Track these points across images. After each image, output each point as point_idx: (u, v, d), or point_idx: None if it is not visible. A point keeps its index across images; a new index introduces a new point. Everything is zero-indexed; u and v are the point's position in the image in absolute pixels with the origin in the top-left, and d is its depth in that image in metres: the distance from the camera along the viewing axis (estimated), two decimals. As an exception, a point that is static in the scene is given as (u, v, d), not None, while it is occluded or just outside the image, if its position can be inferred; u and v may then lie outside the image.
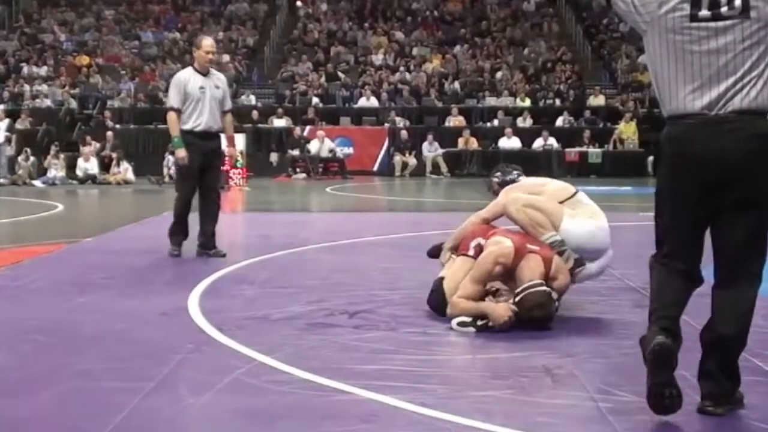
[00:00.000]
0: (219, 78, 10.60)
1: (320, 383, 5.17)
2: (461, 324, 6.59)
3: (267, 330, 6.61)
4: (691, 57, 4.43)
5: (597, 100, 33.44)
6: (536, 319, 6.56)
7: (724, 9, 4.36)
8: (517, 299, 6.55)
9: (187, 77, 10.36)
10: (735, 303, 4.63)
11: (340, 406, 4.81)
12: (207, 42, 10.52)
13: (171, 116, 10.35)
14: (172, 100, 10.36)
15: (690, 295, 4.67)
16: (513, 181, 7.82)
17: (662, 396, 4.46)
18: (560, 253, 6.96)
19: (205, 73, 10.35)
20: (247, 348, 5.96)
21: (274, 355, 5.78)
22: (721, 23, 4.36)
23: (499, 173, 8.06)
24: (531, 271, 6.70)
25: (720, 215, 4.51)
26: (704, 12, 4.39)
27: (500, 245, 6.89)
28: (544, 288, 6.55)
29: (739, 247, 4.53)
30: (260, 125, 30.91)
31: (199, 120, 10.24)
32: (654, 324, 4.55)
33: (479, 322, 6.57)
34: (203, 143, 10.26)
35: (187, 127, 10.24)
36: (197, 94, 10.21)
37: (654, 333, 4.50)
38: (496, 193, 7.76)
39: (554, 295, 6.62)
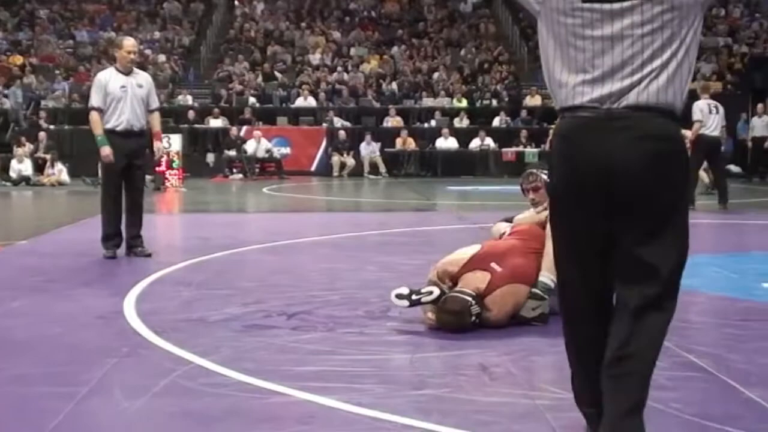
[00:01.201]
0: (142, 77, 10.62)
1: (257, 385, 5.16)
2: (398, 296, 6.64)
3: (204, 332, 6.58)
4: (582, 42, 3.73)
5: (533, 101, 33.66)
6: (443, 322, 6.56)
7: None
8: (439, 301, 6.57)
9: (108, 77, 10.41)
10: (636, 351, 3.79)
11: (276, 408, 4.80)
12: (128, 42, 10.58)
13: (93, 116, 10.39)
14: (94, 99, 10.39)
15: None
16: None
17: None
18: (534, 296, 6.82)
19: (127, 73, 10.38)
20: (183, 350, 5.93)
21: (210, 357, 5.75)
22: (617, 5, 3.64)
23: (531, 177, 7.67)
24: (466, 281, 6.72)
25: (623, 242, 3.76)
26: None
27: (459, 254, 6.99)
28: (466, 298, 6.55)
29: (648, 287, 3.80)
30: (196, 125, 30.77)
31: (121, 119, 10.29)
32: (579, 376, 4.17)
33: (414, 297, 6.60)
34: (126, 142, 10.29)
35: (109, 126, 10.30)
36: (118, 93, 10.25)
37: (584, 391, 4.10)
38: (534, 191, 7.60)
39: (474, 310, 6.58)
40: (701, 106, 17.42)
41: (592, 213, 3.75)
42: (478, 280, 6.72)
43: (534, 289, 6.78)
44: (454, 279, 6.86)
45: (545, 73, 3.95)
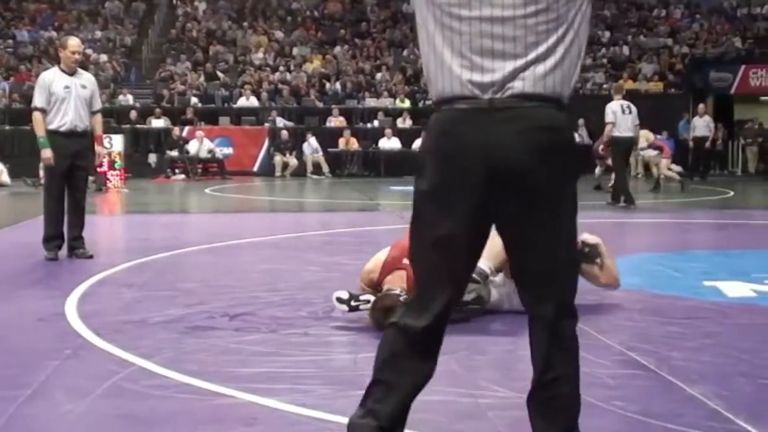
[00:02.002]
0: (86, 78, 10.55)
1: (200, 387, 5.13)
2: (339, 300, 6.67)
3: (146, 334, 6.54)
4: (459, 25, 3.30)
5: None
6: (381, 322, 6.58)
7: None
8: (370, 304, 6.59)
9: (52, 77, 10.33)
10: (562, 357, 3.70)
11: (220, 410, 4.77)
12: (73, 42, 10.49)
13: (36, 116, 10.32)
14: (37, 100, 10.31)
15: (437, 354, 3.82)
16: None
17: None
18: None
19: (71, 73, 10.31)
20: (125, 352, 5.89)
21: (153, 359, 5.72)
22: None
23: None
24: (389, 284, 6.75)
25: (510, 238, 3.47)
26: None
27: (374, 260, 7.03)
28: (394, 293, 6.56)
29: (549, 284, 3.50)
30: (138, 126, 30.59)
31: (65, 119, 10.21)
32: (372, 396, 3.80)
33: (353, 303, 6.64)
34: (69, 143, 10.21)
35: (53, 126, 10.21)
36: (62, 93, 10.18)
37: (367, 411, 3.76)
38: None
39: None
40: (614, 108, 17.68)
41: (474, 215, 3.37)
42: (398, 279, 6.77)
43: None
44: (378, 285, 6.90)
45: (423, 62, 3.50)
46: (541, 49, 3.29)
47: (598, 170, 23.18)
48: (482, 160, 3.28)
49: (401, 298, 6.52)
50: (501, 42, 3.28)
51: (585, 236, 7.56)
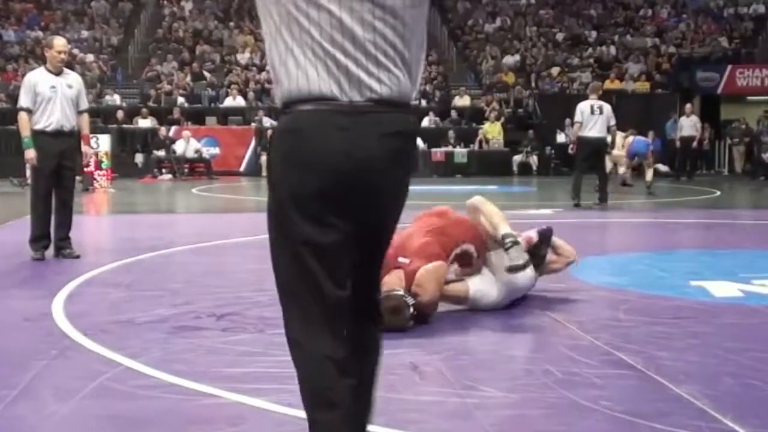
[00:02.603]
0: (72, 77, 10.51)
1: (187, 387, 5.13)
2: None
3: (133, 334, 6.52)
4: (308, 22, 3.09)
5: (462, 101, 33.81)
6: (391, 324, 6.59)
7: None
8: None
9: (37, 77, 10.31)
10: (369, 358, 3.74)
11: (207, 410, 4.77)
12: (59, 42, 10.45)
13: (22, 116, 10.28)
14: (23, 100, 10.27)
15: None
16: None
17: None
18: (507, 249, 7.17)
19: (57, 73, 10.28)
20: (112, 352, 5.88)
21: (140, 359, 5.71)
22: None
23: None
24: (387, 285, 6.74)
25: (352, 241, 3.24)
26: None
27: None
28: (398, 293, 6.56)
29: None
30: (125, 126, 30.54)
31: (51, 119, 10.17)
32: None
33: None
34: (56, 143, 10.18)
35: (39, 126, 10.18)
36: (48, 93, 10.15)
37: None
38: None
39: (409, 301, 6.62)
40: (582, 108, 17.65)
41: (331, 222, 3.16)
42: (395, 279, 6.76)
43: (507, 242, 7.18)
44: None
45: (271, 58, 3.23)
46: (390, 51, 3.16)
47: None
48: (342, 167, 3.10)
49: (405, 299, 6.54)
50: (352, 41, 3.11)
51: (530, 234, 7.61)
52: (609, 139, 18.16)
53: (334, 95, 3.10)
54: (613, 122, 17.70)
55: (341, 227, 3.16)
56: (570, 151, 20.23)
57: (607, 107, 17.60)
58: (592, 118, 17.34)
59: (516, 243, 7.25)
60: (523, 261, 7.23)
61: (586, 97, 18.63)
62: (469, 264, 7.21)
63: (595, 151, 17.73)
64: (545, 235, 7.59)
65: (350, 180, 3.11)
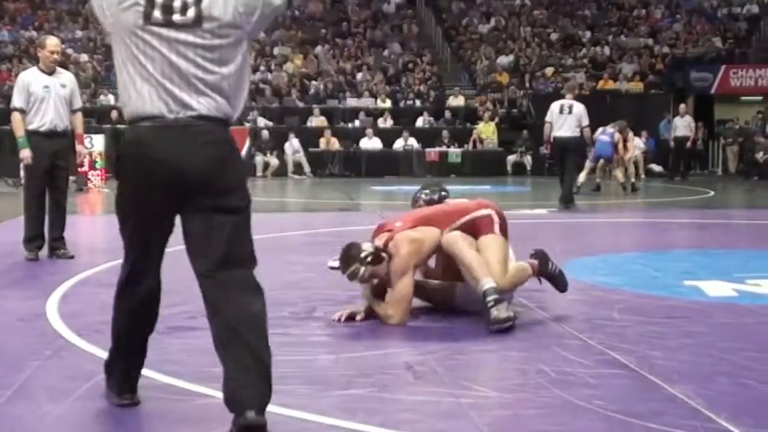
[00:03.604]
0: (66, 77, 10.49)
1: (181, 387, 5.13)
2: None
3: (127, 333, 6.51)
4: (144, 59, 4.28)
5: (456, 101, 33.83)
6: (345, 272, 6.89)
7: (176, 16, 4.25)
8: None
9: (30, 77, 10.29)
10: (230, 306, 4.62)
11: (201, 410, 4.77)
12: (51, 42, 10.43)
13: (15, 116, 10.26)
14: (16, 100, 10.26)
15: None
16: (441, 200, 7.78)
17: None
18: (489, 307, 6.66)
19: (50, 73, 10.27)
20: (106, 353, 5.86)
21: (134, 359, 5.69)
22: (173, 32, 4.25)
23: (426, 191, 8.00)
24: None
25: (192, 225, 4.44)
26: (157, 16, 4.25)
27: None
28: (363, 248, 6.84)
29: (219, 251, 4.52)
30: (119, 126, 30.37)
31: (44, 119, 10.17)
32: (123, 386, 4.79)
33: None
34: (49, 143, 10.17)
35: (33, 126, 10.18)
36: (41, 93, 10.13)
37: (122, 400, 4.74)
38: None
39: (366, 248, 6.80)
40: (552, 108, 17.61)
41: (163, 206, 4.39)
42: (378, 240, 6.98)
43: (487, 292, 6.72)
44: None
45: (119, 83, 4.43)
46: (212, 80, 4.33)
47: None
48: (173, 165, 4.27)
49: (363, 254, 6.60)
50: (184, 74, 4.29)
51: (531, 262, 7.33)
52: (583, 139, 17.83)
53: (162, 114, 4.28)
54: (585, 122, 17.38)
55: (168, 208, 4.42)
56: (545, 150, 20.16)
57: (578, 107, 17.37)
58: (560, 118, 17.23)
59: (499, 302, 6.63)
60: (505, 315, 6.60)
61: (580, 98, 18.52)
62: (477, 233, 7.03)
63: (562, 150, 17.57)
64: (542, 255, 7.40)
65: (178, 174, 4.26)
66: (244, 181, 4.61)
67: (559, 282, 7.32)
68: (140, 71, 4.29)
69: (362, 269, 6.74)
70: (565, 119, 17.18)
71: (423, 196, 7.92)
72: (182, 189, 4.29)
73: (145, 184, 4.32)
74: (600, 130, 21.95)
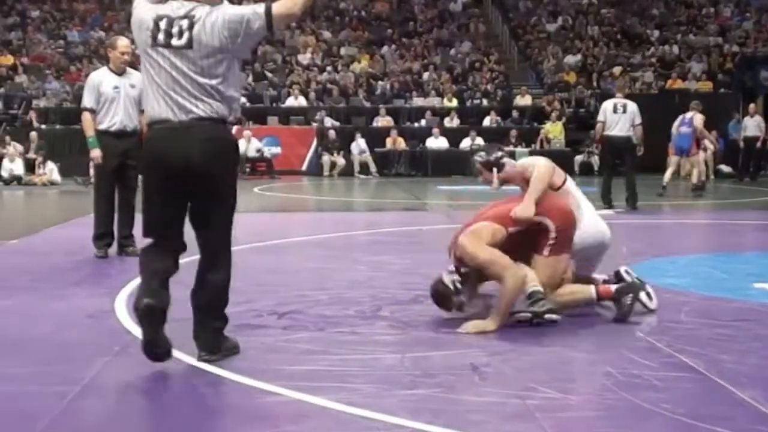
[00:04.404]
0: (135, 77, 10.54)
1: (249, 385, 5.17)
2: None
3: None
4: (154, 73, 5.59)
5: (523, 100, 33.67)
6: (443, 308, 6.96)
7: (174, 40, 5.51)
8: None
9: (101, 77, 10.39)
10: (213, 279, 5.86)
11: (268, 408, 4.80)
12: (122, 42, 10.52)
13: (85, 116, 10.40)
14: (86, 100, 10.38)
15: (177, 262, 5.88)
16: (498, 161, 7.52)
17: (153, 353, 5.48)
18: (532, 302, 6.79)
19: (120, 73, 10.37)
20: (175, 350, 5.92)
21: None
22: (172, 50, 5.52)
23: (482, 152, 7.67)
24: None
25: (194, 205, 5.71)
26: (161, 39, 5.54)
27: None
28: (444, 281, 6.94)
29: (212, 231, 5.81)
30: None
31: (114, 119, 10.29)
32: (142, 286, 5.69)
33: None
34: (119, 143, 10.27)
35: (103, 126, 10.30)
36: (111, 93, 10.25)
37: (142, 295, 5.59)
38: (480, 174, 7.57)
39: (456, 285, 6.81)
40: (606, 106, 17.31)
41: (175, 188, 5.60)
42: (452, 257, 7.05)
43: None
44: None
45: (143, 93, 6.03)
46: (207, 90, 5.54)
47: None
48: (180, 157, 5.51)
49: (450, 286, 6.94)
50: (186, 85, 5.53)
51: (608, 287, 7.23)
52: (635, 139, 17.58)
53: (169, 118, 5.56)
54: (638, 121, 17.10)
55: (178, 190, 5.63)
56: (595, 149, 19.87)
57: (631, 105, 17.13)
58: (614, 117, 16.96)
59: (540, 299, 6.77)
60: (545, 308, 6.75)
61: (649, 97, 18.36)
62: (531, 245, 7.00)
63: (618, 150, 17.32)
64: (625, 289, 7.20)
65: (182, 166, 5.51)
66: (235, 170, 5.93)
67: (624, 313, 7.03)
68: (152, 83, 5.61)
69: (461, 297, 6.92)
70: (620, 118, 16.93)
71: (478, 158, 7.60)
72: (187, 176, 5.52)
73: (160, 173, 5.61)
74: (678, 122, 21.60)
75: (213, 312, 5.83)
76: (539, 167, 7.22)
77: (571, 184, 7.61)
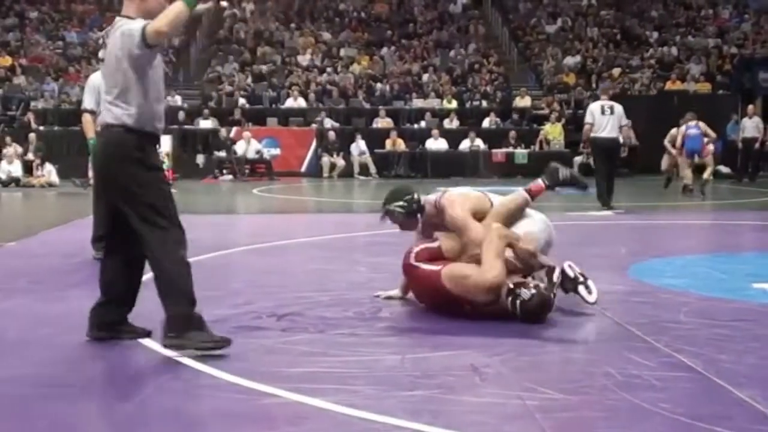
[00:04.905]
0: None
1: (248, 386, 5.16)
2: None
3: (194, 333, 6.57)
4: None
5: (523, 102, 33.68)
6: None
7: (101, 53, 6.05)
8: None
9: (101, 79, 10.30)
10: (127, 275, 6.39)
11: (267, 410, 4.80)
12: None
13: (86, 118, 10.37)
14: (86, 102, 10.37)
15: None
16: (419, 204, 7.57)
17: None
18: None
19: None
20: (172, 351, 5.93)
21: (200, 358, 5.75)
22: (102, 63, 6.39)
23: (399, 203, 7.60)
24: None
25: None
26: (101, 55, 6.36)
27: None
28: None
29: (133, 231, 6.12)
30: (186, 126, 30.74)
31: None
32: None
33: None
34: None
35: None
36: None
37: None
38: (402, 226, 7.73)
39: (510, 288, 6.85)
40: (593, 108, 17.43)
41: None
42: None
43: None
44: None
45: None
46: (110, 98, 6.06)
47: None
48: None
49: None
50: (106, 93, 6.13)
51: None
52: (621, 139, 17.65)
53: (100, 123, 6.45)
54: (625, 122, 17.31)
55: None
56: (582, 149, 19.87)
57: (618, 107, 17.25)
58: (603, 119, 17.01)
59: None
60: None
61: (647, 98, 18.41)
62: None
63: (607, 151, 17.37)
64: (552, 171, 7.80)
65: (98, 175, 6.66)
66: (131, 171, 6.14)
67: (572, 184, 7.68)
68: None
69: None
70: (608, 120, 17.01)
71: (400, 210, 7.57)
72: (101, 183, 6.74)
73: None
74: (684, 126, 21.65)
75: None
76: (475, 231, 7.28)
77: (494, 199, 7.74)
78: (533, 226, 7.59)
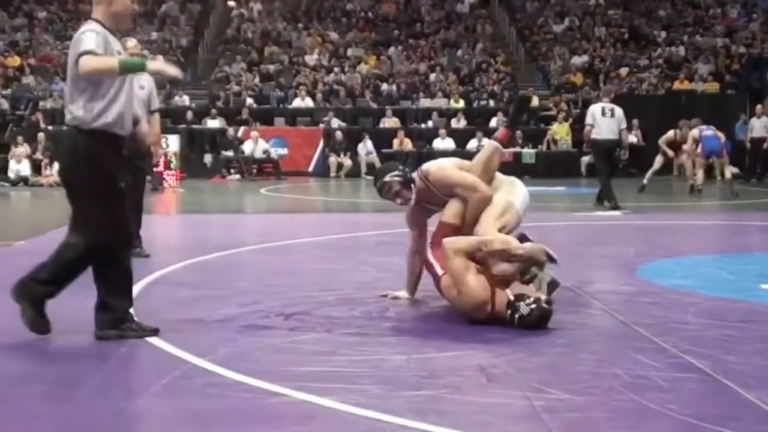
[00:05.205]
0: (145, 78, 10.54)
1: (255, 386, 5.16)
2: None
3: (201, 333, 6.58)
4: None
5: (531, 102, 33.62)
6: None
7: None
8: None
9: None
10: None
11: (274, 408, 4.80)
12: (130, 43, 10.52)
13: None
14: None
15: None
16: (411, 177, 7.99)
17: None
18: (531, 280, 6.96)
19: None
20: (181, 351, 5.93)
21: (208, 357, 5.75)
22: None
23: (395, 172, 8.05)
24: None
25: None
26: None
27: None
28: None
29: None
30: (194, 126, 30.74)
31: None
32: None
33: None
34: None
35: None
36: None
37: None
38: (396, 196, 7.90)
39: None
40: (593, 110, 17.53)
41: None
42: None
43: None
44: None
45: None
46: (68, 99, 6.48)
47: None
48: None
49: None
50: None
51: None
52: (624, 142, 17.75)
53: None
54: (624, 125, 17.44)
55: None
56: (586, 149, 19.94)
57: (618, 110, 17.32)
58: (604, 121, 17.10)
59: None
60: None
61: (654, 98, 18.44)
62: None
63: (607, 152, 17.52)
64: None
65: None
66: (82, 170, 6.72)
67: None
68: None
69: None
70: (609, 122, 17.11)
71: (397, 178, 7.94)
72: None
73: None
74: (697, 130, 21.84)
75: None
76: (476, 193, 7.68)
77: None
78: (516, 198, 7.85)
